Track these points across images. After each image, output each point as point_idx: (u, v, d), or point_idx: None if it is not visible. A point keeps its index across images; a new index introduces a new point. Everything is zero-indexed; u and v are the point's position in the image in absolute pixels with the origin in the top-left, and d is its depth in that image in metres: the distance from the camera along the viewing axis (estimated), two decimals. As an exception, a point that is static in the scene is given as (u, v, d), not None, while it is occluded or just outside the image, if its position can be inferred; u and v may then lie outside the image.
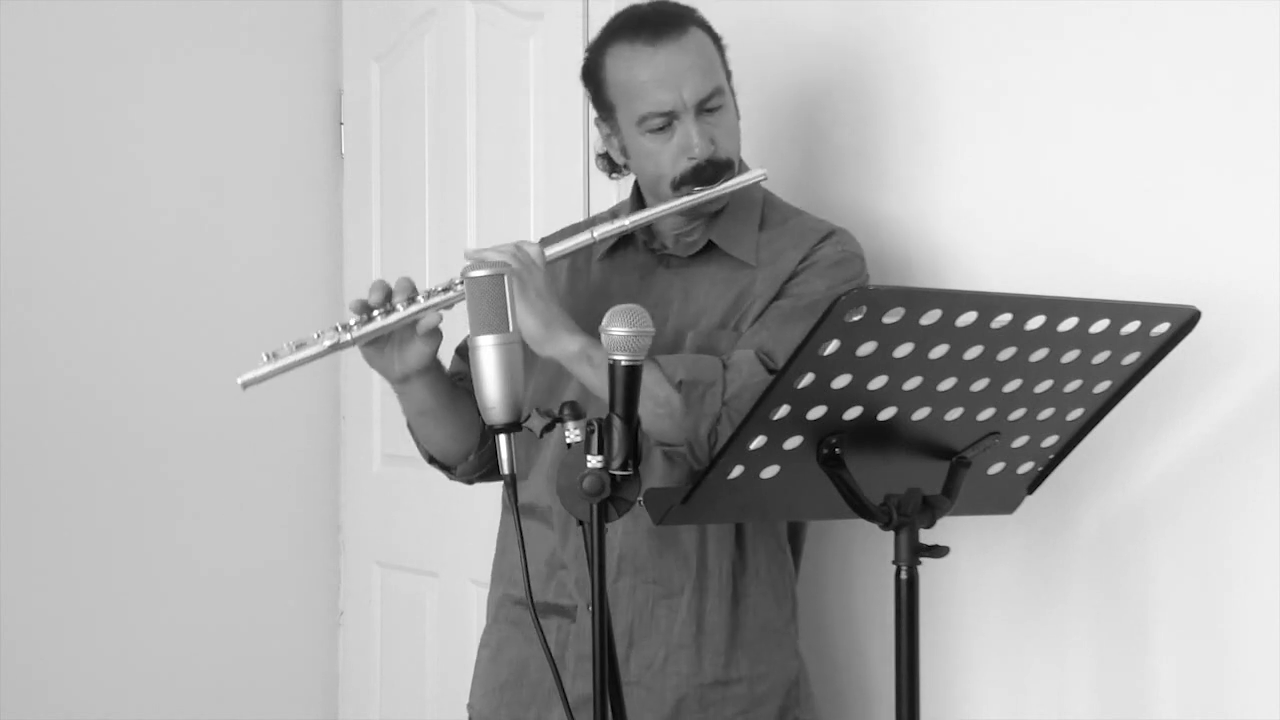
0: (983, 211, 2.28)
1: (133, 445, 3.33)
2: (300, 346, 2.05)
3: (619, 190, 2.71)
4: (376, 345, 2.08)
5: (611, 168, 2.25)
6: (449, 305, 2.05)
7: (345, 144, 3.60)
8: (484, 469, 2.27)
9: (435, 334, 2.07)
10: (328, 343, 2.04)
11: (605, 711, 1.65)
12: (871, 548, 2.36)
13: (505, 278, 1.74)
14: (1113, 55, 2.12)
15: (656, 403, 1.97)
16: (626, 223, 2.11)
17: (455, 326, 2.15)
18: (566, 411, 1.67)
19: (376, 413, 3.45)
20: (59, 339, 3.25)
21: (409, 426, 2.27)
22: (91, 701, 3.26)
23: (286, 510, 3.56)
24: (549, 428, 1.71)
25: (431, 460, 2.29)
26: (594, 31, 2.94)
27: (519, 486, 2.16)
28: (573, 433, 1.65)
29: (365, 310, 2.05)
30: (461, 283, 2.00)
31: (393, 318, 2.04)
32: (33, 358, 3.21)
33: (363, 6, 3.55)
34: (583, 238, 2.11)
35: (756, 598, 2.16)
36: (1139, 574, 2.10)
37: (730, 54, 2.18)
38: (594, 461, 1.63)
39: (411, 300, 2.05)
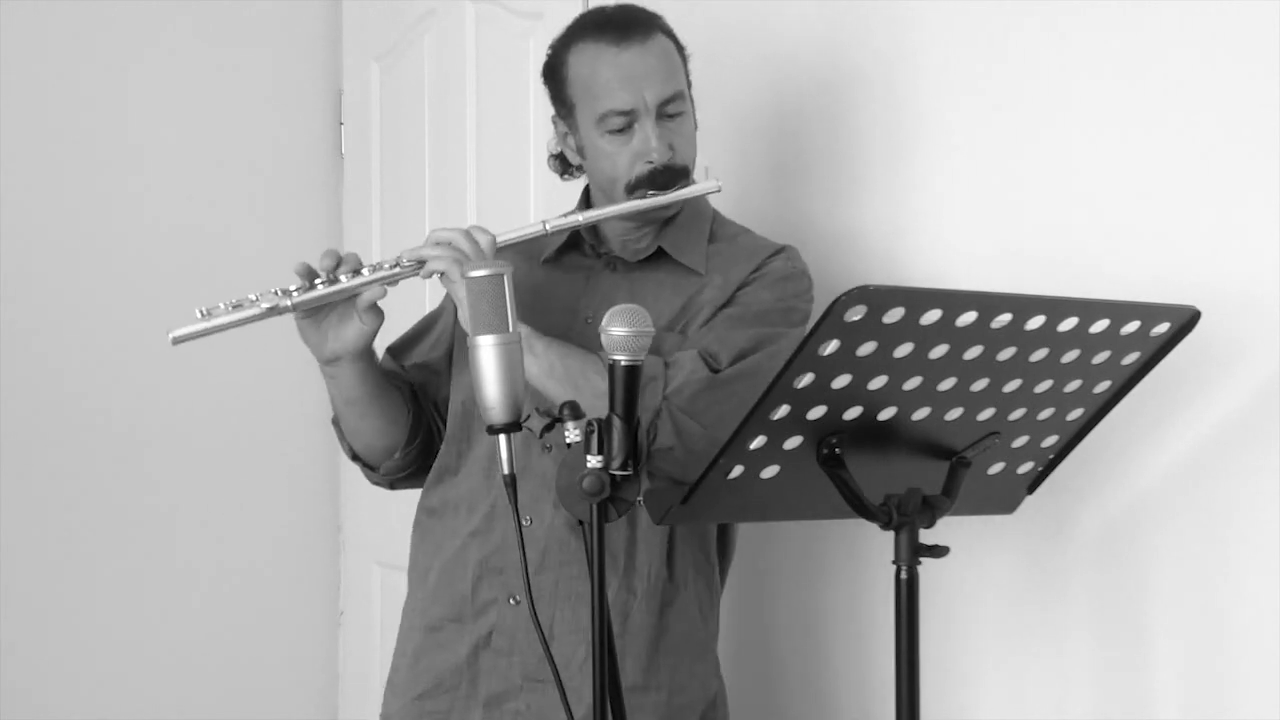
0: (978, 211, 2.28)
1: (132, 445, 3.33)
2: (236, 307, 2.00)
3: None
4: (314, 318, 2.05)
5: (564, 169, 2.24)
6: (394, 281, 2.02)
7: (345, 144, 3.60)
8: (409, 469, 2.25)
9: (375, 313, 2.04)
10: (265, 305, 2.00)
11: (605, 711, 1.65)
12: (871, 548, 2.36)
13: (505, 277, 1.74)
14: (1111, 55, 2.12)
15: (596, 394, 1.93)
16: (580, 218, 2.10)
17: (393, 322, 2.13)
18: (566, 411, 1.67)
19: (376, 413, 3.45)
20: (58, 339, 3.26)
21: (334, 421, 2.24)
22: (92, 701, 3.26)
23: (286, 510, 3.56)
24: (549, 428, 1.71)
25: (355, 457, 2.26)
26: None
27: (450, 481, 2.16)
28: (572, 433, 1.65)
29: (309, 276, 2.02)
30: (409, 263, 2.00)
31: (335, 287, 2.01)
32: (32, 358, 3.21)
33: (363, 6, 3.55)
34: (535, 228, 2.09)
35: (682, 607, 2.13)
36: (1139, 574, 2.10)
37: (704, 61, 2.18)
38: (594, 461, 1.63)
39: (357, 274, 2.01)
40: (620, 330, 1.64)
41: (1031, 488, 1.94)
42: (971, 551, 2.24)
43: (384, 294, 2.03)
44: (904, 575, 1.72)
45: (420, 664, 2.19)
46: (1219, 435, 2.02)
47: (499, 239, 2.05)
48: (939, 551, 1.74)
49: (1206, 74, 2.01)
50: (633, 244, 2.18)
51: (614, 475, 1.64)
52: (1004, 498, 1.94)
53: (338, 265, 2.02)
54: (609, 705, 1.66)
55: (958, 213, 2.31)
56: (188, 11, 3.40)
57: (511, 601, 2.10)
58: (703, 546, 2.18)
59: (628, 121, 2.08)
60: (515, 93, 3.12)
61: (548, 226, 2.09)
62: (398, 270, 2.01)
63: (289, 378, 3.55)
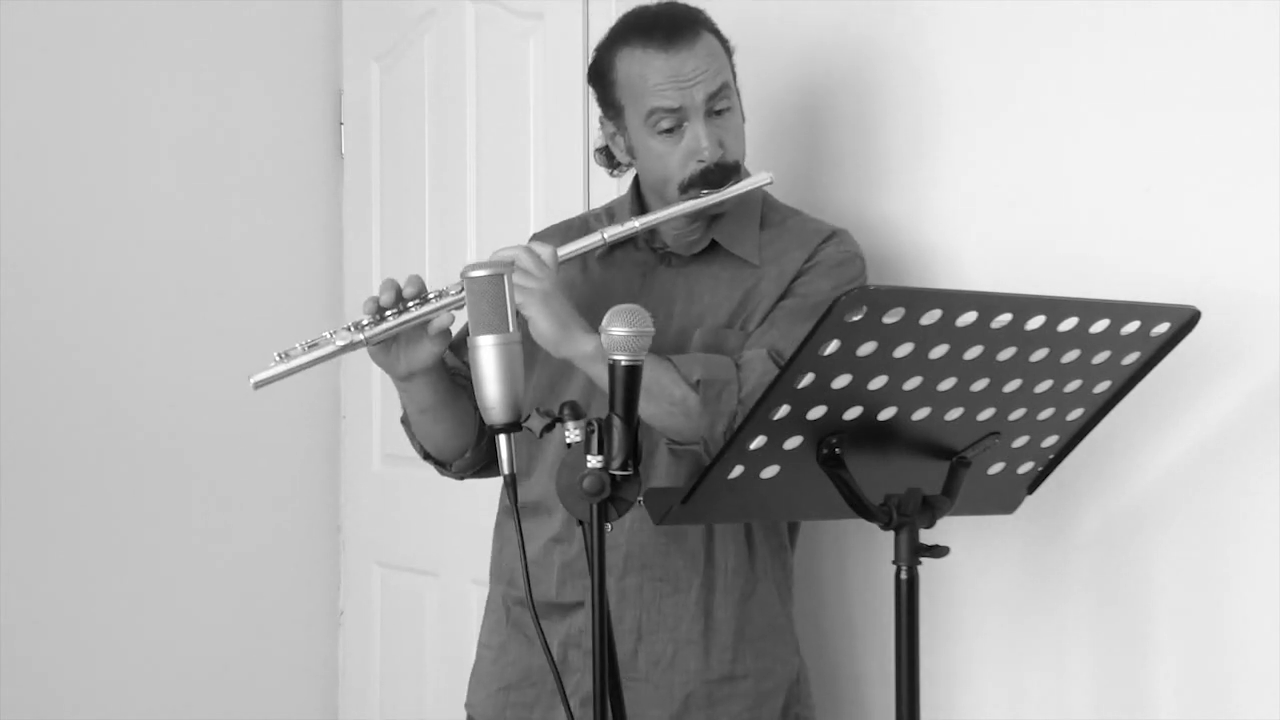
0: (981, 212, 2.29)
1: (132, 445, 3.33)
2: (313, 346, 2.04)
3: (619, 189, 2.71)
4: (384, 344, 2.08)
5: (611, 163, 2.25)
6: (460, 305, 2.03)
7: (345, 144, 3.60)
8: (478, 465, 2.27)
9: (445, 334, 2.08)
10: (340, 343, 2.04)
11: (605, 711, 1.65)
12: (871, 548, 2.36)
13: (505, 277, 1.74)
14: (1112, 56, 2.12)
15: (672, 402, 1.98)
16: (637, 224, 2.11)
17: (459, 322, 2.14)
18: (566, 411, 1.67)
19: (376, 412, 3.45)
20: (59, 340, 3.25)
21: (404, 421, 2.27)
22: (92, 700, 3.26)
23: (286, 510, 3.56)
24: (549, 428, 1.71)
25: (426, 456, 2.29)
26: (594, 31, 2.95)
27: (523, 485, 2.18)
28: (573, 433, 1.65)
29: (378, 310, 2.04)
30: None
31: (404, 317, 2.04)
32: (31, 358, 3.21)
33: (363, 6, 3.55)
34: (594, 239, 2.11)
35: (763, 594, 2.17)
36: (1139, 574, 2.10)
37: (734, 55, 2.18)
38: (594, 461, 1.63)
39: (423, 300, 2.04)
40: (620, 330, 1.64)
41: (1031, 488, 1.94)
42: (971, 551, 2.24)
43: (453, 319, 2.06)
44: (904, 575, 1.72)
45: (507, 656, 2.23)
46: (1219, 435, 2.02)
47: (560, 253, 2.07)
48: (939, 551, 1.74)
49: (1207, 74, 2.01)
50: (686, 237, 2.19)
51: (614, 475, 1.64)
52: (1004, 498, 1.94)
53: (399, 296, 2.04)
54: (609, 705, 1.66)
55: (957, 213, 2.31)
56: (187, 11, 3.40)
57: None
58: (777, 529, 2.20)
59: (677, 121, 2.08)
60: (515, 93, 3.12)
61: (606, 237, 2.11)
62: (463, 295, 2.02)
63: (290, 377, 3.56)
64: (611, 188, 2.79)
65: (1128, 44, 2.10)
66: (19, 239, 3.20)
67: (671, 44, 2.08)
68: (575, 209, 2.90)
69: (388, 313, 2.04)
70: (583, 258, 2.20)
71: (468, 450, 2.24)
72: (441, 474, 2.32)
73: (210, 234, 3.44)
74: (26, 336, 3.20)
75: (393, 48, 3.45)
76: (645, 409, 1.98)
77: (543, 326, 1.99)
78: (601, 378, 2.00)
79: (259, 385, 2.06)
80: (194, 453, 3.41)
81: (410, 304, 2.04)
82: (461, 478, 2.31)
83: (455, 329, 2.11)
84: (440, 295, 2.05)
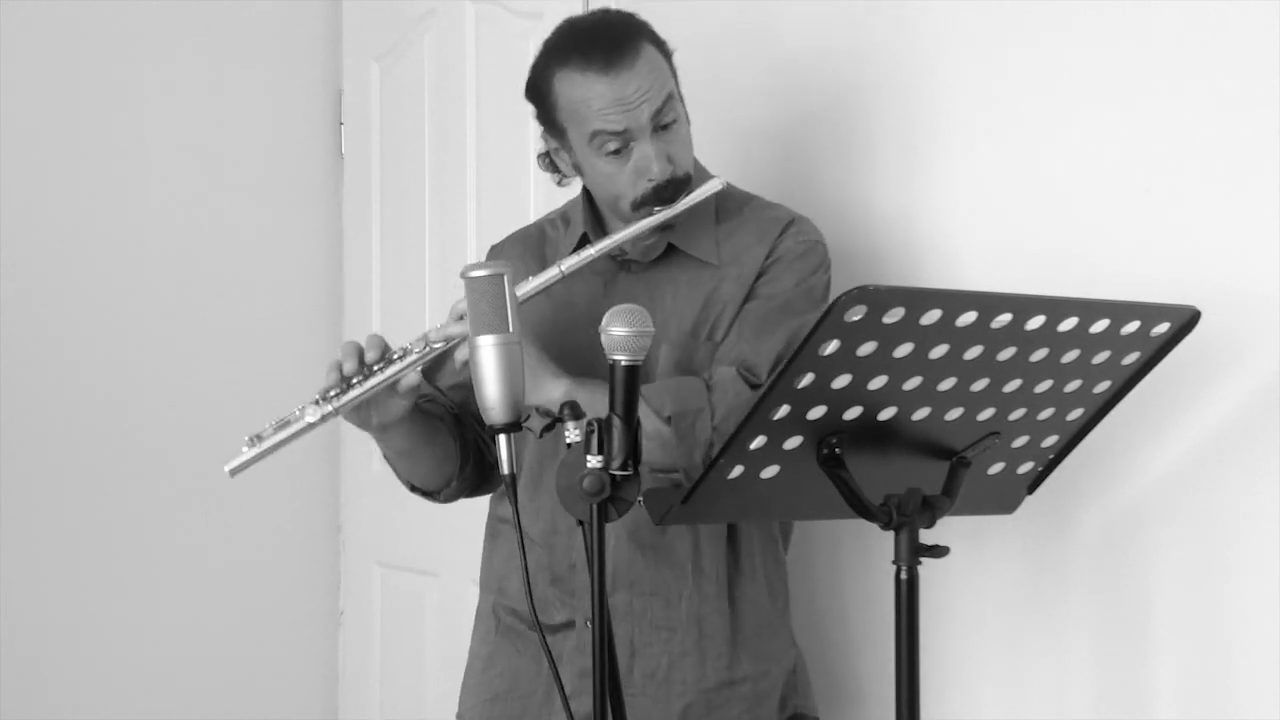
0: (978, 211, 2.28)
1: (132, 446, 3.33)
2: (282, 426, 2.01)
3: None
4: (356, 408, 2.04)
5: (555, 171, 2.20)
6: (423, 362, 2.01)
7: (345, 144, 3.60)
8: (465, 491, 2.27)
9: (414, 390, 2.03)
10: (310, 419, 1.99)
11: (605, 711, 1.65)
12: (871, 548, 2.36)
13: (504, 277, 1.74)
14: (1112, 54, 2.12)
15: (648, 436, 1.91)
16: (593, 251, 2.05)
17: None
18: (566, 411, 1.67)
19: (376, 413, 3.45)
20: (59, 341, 3.26)
21: (386, 459, 2.24)
22: (92, 701, 3.26)
23: (286, 510, 3.56)
24: (549, 428, 1.71)
25: (414, 489, 2.27)
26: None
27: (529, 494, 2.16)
28: (572, 433, 1.65)
29: (343, 380, 2.00)
30: (438, 341, 1.99)
31: (371, 382, 1.99)
32: (31, 359, 3.21)
33: (363, 6, 3.55)
34: (552, 273, 2.03)
35: (754, 595, 2.16)
36: (1139, 574, 2.10)
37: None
38: (594, 461, 1.63)
39: (387, 362, 1.99)
40: (620, 330, 1.64)
41: (1031, 488, 1.94)
42: (971, 551, 2.24)
43: (419, 378, 2.01)
44: (904, 575, 1.72)
45: (495, 667, 2.21)
46: (1219, 435, 2.02)
47: (519, 294, 2.02)
48: (939, 551, 1.74)
49: (1207, 74, 2.01)
50: (643, 241, 2.16)
51: (614, 475, 1.64)
52: (1004, 498, 1.94)
53: (362, 361, 2.00)
54: (609, 705, 1.66)
55: (958, 213, 2.31)
56: (188, 12, 3.40)
57: (585, 624, 2.10)
58: (766, 526, 2.18)
59: (623, 142, 2.04)
60: (515, 93, 3.09)
61: (563, 269, 2.04)
62: (428, 350, 2.00)
63: (289, 377, 3.56)
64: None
65: (1127, 42, 2.10)
66: (18, 239, 3.20)
67: (612, 66, 2.03)
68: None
69: (353, 380, 1.99)
70: (542, 268, 2.14)
71: (452, 480, 2.23)
72: (433, 502, 2.30)
73: (210, 234, 3.44)
74: (25, 337, 3.20)
75: (393, 48, 3.45)
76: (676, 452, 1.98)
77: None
78: (585, 403, 1.98)
79: (234, 472, 2.04)
80: (194, 453, 3.41)
81: (374, 368, 1.99)
82: (450, 502, 2.30)
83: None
84: (404, 354, 2.00)
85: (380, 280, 3.49)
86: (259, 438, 2.02)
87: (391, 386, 2.01)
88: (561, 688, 1.72)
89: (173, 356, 3.39)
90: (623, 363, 1.65)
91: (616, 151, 2.05)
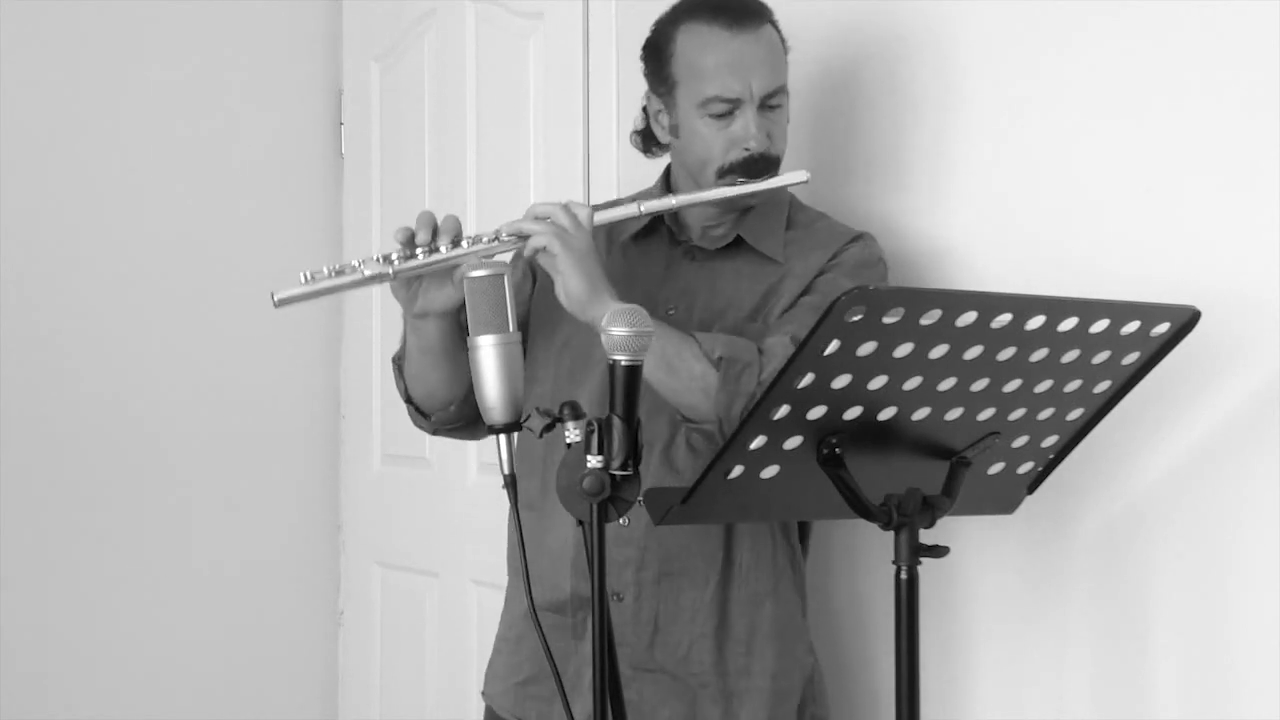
0: (992, 213, 2.28)
1: (133, 445, 3.33)
2: (339, 273, 1.99)
3: (619, 190, 2.71)
4: (408, 279, 2.04)
5: (646, 146, 2.24)
6: (491, 256, 2.00)
7: (345, 144, 3.60)
8: (460, 422, 2.24)
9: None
10: (368, 272, 1.98)
11: (605, 711, 1.65)
12: (872, 548, 2.36)
13: (504, 277, 1.74)
14: (1112, 57, 2.12)
15: (692, 377, 1.97)
16: (674, 201, 2.09)
17: None
18: (566, 411, 1.67)
19: (376, 413, 3.45)
20: (58, 340, 3.26)
21: (396, 362, 2.23)
22: (92, 701, 3.26)
23: (286, 510, 3.56)
24: (549, 428, 1.71)
25: (409, 400, 2.25)
26: (594, 31, 2.96)
27: (545, 480, 2.16)
28: (572, 433, 1.65)
29: (410, 244, 2.01)
30: (509, 237, 1.99)
31: (435, 257, 1.99)
32: (31, 359, 3.21)
33: (363, 6, 3.55)
34: (630, 209, 2.09)
35: (780, 594, 2.17)
36: (1139, 574, 2.10)
37: None
38: (594, 461, 1.63)
39: (456, 243, 2.00)
40: (620, 330, 1.64)
41: (1031, 488, 1.94)
42: (971, 552, 2.24)
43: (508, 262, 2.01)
44: (904, 575, 1.72)
45: (524, 650, 2.22)
46: (1219, 435, 2.02)
47: (597, 218, 2.04)
48: (939, 551, 1.74)
49: (1208, 75, 2.01)
50: (711, 231, 2.18)
51: (614, 475, 1.64)
52: (1004, 498, 1.94)
53: (435, 234, 2.00)
54: (609, 705, 1.66)
55: (959, 213, 2.31)
56: (187, 11, 3.40)
57: (615, 599, 2.11)
58: (787, 531, 2.20)
59: (730, 108, 2.08)
60: (515, 93, 3.12)
61: (642, 209, 2.08)
62: (496, 244, 2.00)
63: (290, 377, 3.57)
64: (612, 189, 2.79)
65: (1128, 45, 2.10)
66: (19, 239, 3.20)
67: (737, 25, 2.08)
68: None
69: (419, 250, 2.00)
70: (608, 240, 2.19)
71: (454, 404, 2.20)
72: (417, 424, 2.27)
73: (210, 234, 3.44)
74: (25, 337, 3.20)
75: (393, 48, 3.45)
76: (664, 383, 1.98)
77: (573, 284, 1.96)
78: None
79: (281, 303, 1.99)
80: (194, 453, 3.41)
81: (441, 245, 2.00)
82: (436, 432, 2.28)
83: (531, 303, 2.07)
84: (475, 240, 2.00)
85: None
86: (314, 277, 2.00)
87: (449, 270, 2.01)
88: (561, 687, 1.72)
89: (173, 357, 3.39)
90: (623, 363, 1.65)
91: (721, 115, 2.08)
